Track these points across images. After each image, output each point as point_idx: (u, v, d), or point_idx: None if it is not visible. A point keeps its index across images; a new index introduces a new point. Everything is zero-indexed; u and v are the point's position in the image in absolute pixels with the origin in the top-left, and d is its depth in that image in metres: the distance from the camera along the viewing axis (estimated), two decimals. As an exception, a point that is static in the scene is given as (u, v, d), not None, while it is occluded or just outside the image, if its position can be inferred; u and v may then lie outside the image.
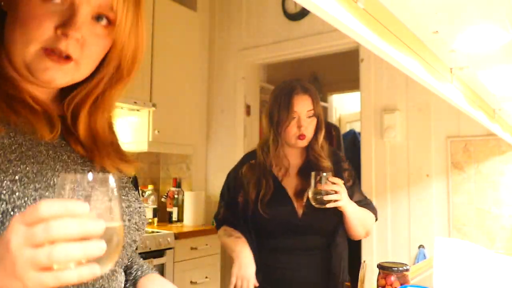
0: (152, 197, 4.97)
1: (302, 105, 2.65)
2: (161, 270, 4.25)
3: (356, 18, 1.04)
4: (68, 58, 1.10)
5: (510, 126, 3.41)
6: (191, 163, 5.46)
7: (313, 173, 2.46)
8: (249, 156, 2.87)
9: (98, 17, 1.14)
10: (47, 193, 1.04)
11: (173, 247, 4.38)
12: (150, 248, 4.12)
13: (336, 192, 2.43)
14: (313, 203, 2.45)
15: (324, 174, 2.45)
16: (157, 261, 4.17)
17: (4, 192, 1.00)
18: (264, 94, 6.04)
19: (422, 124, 4.28)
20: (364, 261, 1.86)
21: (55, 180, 1.09)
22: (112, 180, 0.86)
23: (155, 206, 4.99)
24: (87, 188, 0.81)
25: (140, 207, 1.32)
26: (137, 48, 1.24)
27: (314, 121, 2.70)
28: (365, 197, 2.83)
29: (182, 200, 5.19)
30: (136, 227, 1.28)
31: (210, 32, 5.70)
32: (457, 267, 1.71)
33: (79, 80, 1.20)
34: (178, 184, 5.36)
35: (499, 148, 3.94)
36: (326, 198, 2.41)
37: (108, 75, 1.25)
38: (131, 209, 1.27)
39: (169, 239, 4.34)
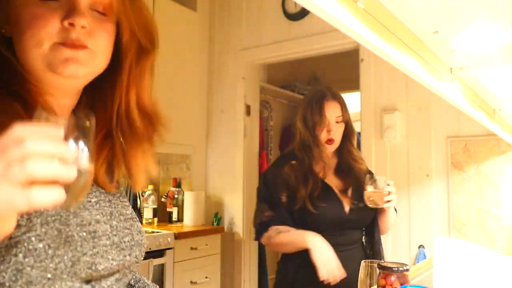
0: (152, 197, 4.96)
1: (332, 111, 2.81)
2: (161, 270, 4.25)
3: (356, 18, 1.04)
4: (81, 46, 1.11)
5: (510, 126, 3.41)
6: (191, 163, 5.46)
7: (368, 176, 2.66)
8: (286, 157, 2.93)
9: (95, 9, 1.16)
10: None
11: (173, 247, 4.38)
12: (150, 248, 4.11)
13: (389, 193, 2.62)
14: (368, 204, 2.62)
15: (379, 177, 2.63)
16: (157, 261, 4.16)
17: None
18: (264, 94, 6.05)
19: (422, 124, 4.28)
20: (365, 261, 1.86)
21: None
22: (86, 122, 0.88)
23: (155, 206, 4.98)
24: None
25: (141, 239, 1.31)
26: (146, 21, 1.26)
27: (342, 126, 2.86)
28: None
29: (182, 200, 5.19)
30: (136, 260, 1.28)
31: (210, 32, 5.70)
32: (457, 267, 1.71)
33: (99, 72, 1.20)
34: (178, 184, 5.36)
35: (499, 148, 3.94)
36: (385, 198, 2.59)
37: (135, 59, 1.27)
38: (133, 243, 1.26)
39: (169, 239, 4.33)
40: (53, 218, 1.07)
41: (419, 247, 4.15)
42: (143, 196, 5.01)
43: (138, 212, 4.99)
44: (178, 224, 5.10)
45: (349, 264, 2.57)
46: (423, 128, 4.27)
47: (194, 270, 4.65)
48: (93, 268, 1.10)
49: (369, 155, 4.46)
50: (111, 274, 1.18)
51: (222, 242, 5.10)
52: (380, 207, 2.63)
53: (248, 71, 5.46)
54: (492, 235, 3.92)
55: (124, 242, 1.23)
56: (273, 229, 2.70)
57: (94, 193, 1.23)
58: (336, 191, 2.80)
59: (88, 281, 1.11)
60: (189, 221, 5.04)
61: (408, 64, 1.39)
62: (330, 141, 2.81)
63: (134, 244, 1.27)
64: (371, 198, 2.59)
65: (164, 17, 4.89)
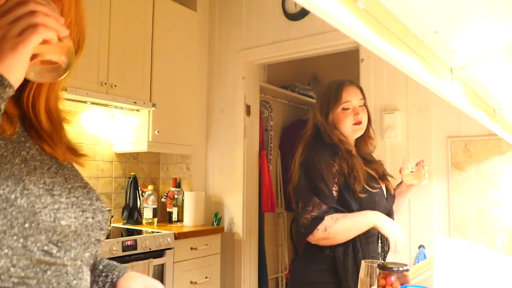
0: (152, 197, 4.97)
1: (355, 95, 2.87)
2: (161, 270, 4.26)
3: (356, 18, 1.04)
4: None
5: (511, 126, 3.42)
6: (191, 163, 5.47)
7: (408, 157, 3.02)
8: (327, 148, 2.80)
9: None
10: (5, 185, 1.04)
11: (173, 247, 4.38)
12: (150, 248, 4.12)
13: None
14: (409, 182, 2.99)
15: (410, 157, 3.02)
16: (156, 261, 4.17)
17: None
18: (264, 94, 6.05)
19: (422, 124, 4.28)
20: (365, 261, 1.86)
21: (15, 171, 1.09)
22: None
23: (155, 206, 4.98)
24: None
25: (102, 206, 1.32)
26: (82, 18, 1.28)
27: (365, 111, 2.92)
28: None
29: (182, 200, 5.19)
30: (100, 225, 1.27)
31: (210, 32, 5.71)
32: (457, 267, 1.71)
33: None
34: (178, 184, 5.37)
35: (499, 148, 3.94)
36: (425, 176, 2.94)
37: None
38: (94, 207, 1.26)
39: (169, 239, 4.34)
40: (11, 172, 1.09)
41: (419, 247, 4.15)
42: (143, 196, 5.02)
43: (138, 212, 5.00)
44: (178, 224, 5.11)
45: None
46: (423, 128, 4.27)
47: (194, 270, 4.66)
48: (56, 222, 1.10)
49: (369, 155, 4.46)
50: (76, 236, 1.18)
51: (222, 242, 5.10)
52: (419, 184, 2.94)
53: (248, 71, 5.46)
54: (492, 235, 3.92)
55: (84, 204, 1.23)
56: (329, 219, 2.60)
57: (44, 160, 1.23)
58: (377, 177, 2.90)
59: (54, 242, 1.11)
60: (189, 221, 5.05)
61: (408, 64, 1.39)
62: (358, 123, 2.84)
63: (96, 208, 1.27)
64: (412, 177, 2.93)
65: (164, 16, 4.90)
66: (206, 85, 5.65)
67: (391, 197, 2.92)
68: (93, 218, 1.25)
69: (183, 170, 5.51)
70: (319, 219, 2.61)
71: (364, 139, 2.99)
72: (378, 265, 1.72)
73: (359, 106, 2.86)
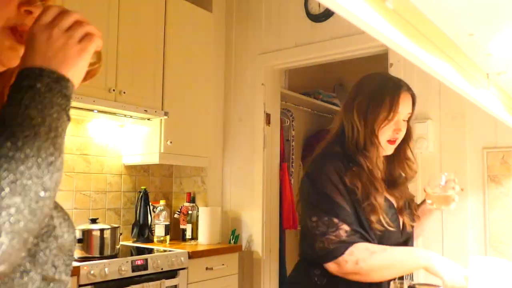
0: (164, 213, 4.98)
1: (406, 106, 2.51)
2: (173, 291, 4.26)
3: (384, 19, 1.04)
4: None
5: (553, 136, 3.39)
6: (206, 177, 5.46)
7: (444, 176, 2.57)
8: (336, 157, 2.49)
9: None
10: None
11: (187, 267, 4.38)
12: (162, 269, 4.12)
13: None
14: (436, 206, 2.59)
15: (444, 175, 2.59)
16: (169, 282, 4.17)
17: None
18: (285, 101, 6.05)
19: (456, 134, 4.26)
20: (394, 282, 1.86)
21: None
22: None
23: (167, 223, 4.99)
24: None
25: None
26: None
27: (406, 125, 2.57)
28: None
29: (197, 217, 5.19)
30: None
31: (226, 34, 5.72)
32: (493, 287, 1.70)
33: None
34: (192, 199, 5.37)
35: (540, 160, 3.92)
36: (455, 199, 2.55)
37: None
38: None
39: (182, 258, 4.34)
40: None
41: (454, 267, 4.13)
42: (154, 211, 5.03)
43: (149, 229, 5.00)
44: (192, 242, 5.10)
45: None
46: (457, 138, 4.25)
47: (210, 292, 4.65)
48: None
49: (399, 168, 4.44)
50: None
51: (240, 262, 5.10)
52: (446, 209, 2.58)
53: (268, 77, 5.47)
54: (533, 254, 3.89)
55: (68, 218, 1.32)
56: (361, 249, 2.28)
57: None
58: (396, 206, 2.56)
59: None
60: (204, 239, 5.04)
61: (441, 69, 1.39)
62: (394, 141, 2.52)
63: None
64: (436, 200, 2.57)
65: (177, 18, 4.92)
66: (222, 92, 5.66)
67: (406, 234, 2.59)
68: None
69: (197, 183, 5.51)
70: (343, 246, 2.29)
71: (399, 159, 2.65)
72: (409, 286, 1.72)
73: (403, 120, 2.52)
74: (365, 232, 2.35)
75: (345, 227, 2.30)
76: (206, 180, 5.46)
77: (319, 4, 4.91)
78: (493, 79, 1.86)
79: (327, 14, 4.93)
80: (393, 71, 4.54)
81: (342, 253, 2.27)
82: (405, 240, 2.57)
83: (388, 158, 2.64)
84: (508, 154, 4.01)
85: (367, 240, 2.33)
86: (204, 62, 5.26)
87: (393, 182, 2.63)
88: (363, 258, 2.25)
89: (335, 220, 2.31)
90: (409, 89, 2.53)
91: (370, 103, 2.48)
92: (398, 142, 2.55)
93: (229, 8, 5.72)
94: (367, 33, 1.06)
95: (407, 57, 1.24)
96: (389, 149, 2.55)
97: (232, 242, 5.20)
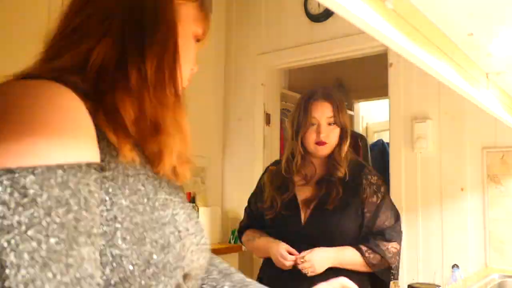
0: (164, 212, 4.97)
1: (322, 112, 2.79)
2: (174, 291, 4.24)
3: (384, 19, 1.04)
4: None
5: (552, 136, 3.40)
6: (206, 176, 5.46)
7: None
8: (273, 163, 3.07)
9: None
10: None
11: (187, 267, 4.36)
12: (162, 268, 4.11)
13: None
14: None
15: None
16: (169, 281, 4.15)
17: None
18: (285, 101, 6.04)
19: (455, 133, 4.25)
20: (393, 282, 1.86)
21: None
22: None
23: (167, 222, 4.98)
24: None
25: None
26: None
27: (336, 129, 2.81)
28: (391, 218, 2.89)
29: (197, 217, 5.17)
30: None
31: (226, 34, 5.72)
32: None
33: None
34: (192, 199, 5.36)
35: (540, 159, 3.92)
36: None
37: None
38: (207, 246, 1.33)
39: (182, 257, 4.32)
40: None
41: (453, 266, 4.12)
42: (154, 211, 5.02)
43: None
44: (192, 241, 5.09)
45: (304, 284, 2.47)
46: (457, 138, 4.25)
47: (210, 292, 4.64)
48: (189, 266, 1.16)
49: (399, 167, 4.44)
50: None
51: (240, 262, 5.10)
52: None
53: (268, 77, 5.47)
54: (533, 254, 3.89)
55: (204, 244, 1.30)
56: (249, 234, 3.00)
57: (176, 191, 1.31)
58: (299, 201, 2.80)
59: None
60: (204, 238, 5.03)
61: (441, 69, 1.39)
62: (320, 142, 2.76)
63: (207, 246, 1.33)
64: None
65: (178, 19, 4.90)
66: (222, 92, 5.66)
67: (319, 222, 2.74)
68: (204, 258, 1.35)
69: (197, 183, 5.50)
70: (242, 229, 3.17)
71: (333, 159, 2.85)
72: (408, 286, 1.72)
73: (328, 124, 2.78)
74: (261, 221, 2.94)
75: (247, 219, 3.19)
76: (206, 180, 5.46)
77: (318, 4, 4.90)
78: (492, 79, 1.86)
79: (327, 14, 4.92)
80: (393, 71, 4.54)
81: (241, 235, 3.15)
82: (314, 232, 2.73)
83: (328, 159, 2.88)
84: (508, 154, 4.01)
85: (260, 227, 2.97)
86: (203, 62, 5.21)
87: (324, 181, 2.82)
88: (248, 240, 3.03)
89: (245, 214, 3.22)
90: (326, 97, 2.83)
91: (295, 115, 2.88)
92: (331, 143, 2.80)
93: (228, 8, 5.72)
94: (366, 33, 1.06)
95: (406, 57, 1.24)
96: (321, 150, 2.81)
97: (232, 242, 5.20)
